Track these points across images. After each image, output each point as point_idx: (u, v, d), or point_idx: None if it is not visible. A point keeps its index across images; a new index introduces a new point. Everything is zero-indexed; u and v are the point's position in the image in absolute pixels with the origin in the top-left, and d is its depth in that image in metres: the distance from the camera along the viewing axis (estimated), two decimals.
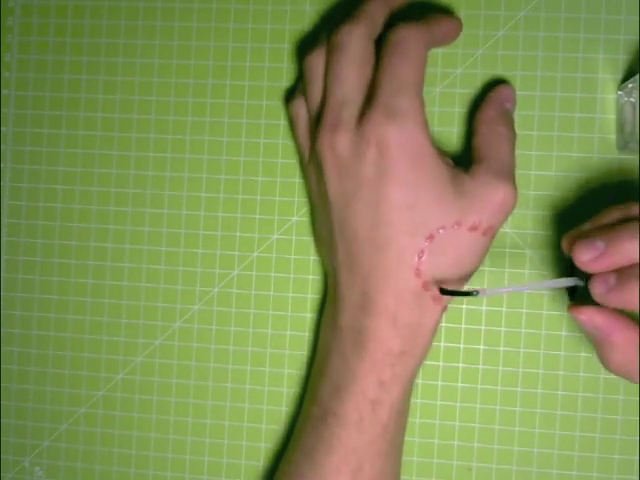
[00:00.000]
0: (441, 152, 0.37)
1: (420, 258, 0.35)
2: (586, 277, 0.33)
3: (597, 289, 0.32)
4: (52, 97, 0.43)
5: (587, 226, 0.34)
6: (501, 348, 0.40)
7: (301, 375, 0.41)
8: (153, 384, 0.42)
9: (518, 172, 0.39)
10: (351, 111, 0.36)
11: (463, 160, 0.37)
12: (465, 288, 0.36)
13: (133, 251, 0.43)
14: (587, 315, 0.33)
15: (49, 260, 0.43)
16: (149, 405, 0.42)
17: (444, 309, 0.37)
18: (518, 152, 0.39)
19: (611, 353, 0.33)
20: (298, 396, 0.41)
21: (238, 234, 0.42)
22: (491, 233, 0.36)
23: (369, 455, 0.36)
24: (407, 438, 0.40)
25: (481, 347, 0.40)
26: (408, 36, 0.36)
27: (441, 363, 0.40)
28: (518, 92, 0.40)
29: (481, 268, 0.40)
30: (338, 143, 0.36)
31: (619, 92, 0.38)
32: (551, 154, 0.40)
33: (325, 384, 0.37)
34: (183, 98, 0.42)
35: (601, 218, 0.34)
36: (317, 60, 0.38)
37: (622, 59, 0.39)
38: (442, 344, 0.40)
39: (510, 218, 0.40)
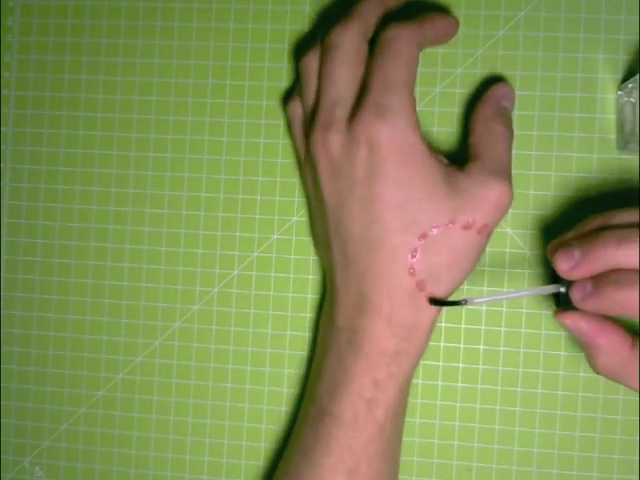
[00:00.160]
0: (434, 150, 0.37)
1: (413, 257, 0.35)
2: (568, 284, 0.34)
3: (576, 296, 0.33)
4: (52, 97, 0.43)
5: (570, 234, 0.35)
6: (501, 348, 0.40)
7: (301, 375, 0.41)
8: (153, 384, 0.42)
9: (518, 172, 0.39)
10: (343, 110, 0.36)
11: (463, 160, 0.37)
12: (452, 298, 0.36)
13: (133, 251, 0.43)
14: (572, 320, 0.34)
15: (49, 260, 0.43)
16: (149, 405, 0.42)
17: (440, 309, 0.36)
18: (518, 152, 0.39)
19: (597, 356, 0.34)
20: (298, 396, 0.41)
21: (238, 234, 0.42)
22: (486, 232, 0.36)
23: (366, 455, 0.36)
24: (407, 438, 0.40)
25: (481, 347, 0.40)
26: (400, 35, 0.36)
27: (441, 363, 0.40)
28: (518, 92, 0.40)
29: (481, 268, 0.40)
30: (330, 143, 0.36)
31: (619, 92, 0.38)
32: (551, 154, 0.40)
33: (322, 384, 0.37)
34: (183, 98, 0.42)
35: (583, 226, 0.35)
36: (312, 61, 0.38)
37: (622, 59, 0.39)
38: (442, 344, 0.40)
39: (510, 218, 0.40)
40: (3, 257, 0.44)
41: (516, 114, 0.40)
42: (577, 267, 0.33)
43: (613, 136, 0.39)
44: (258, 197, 0.42)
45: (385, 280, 0.35)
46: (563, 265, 0.33)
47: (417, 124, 0.35)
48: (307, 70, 0.38)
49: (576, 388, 0.40)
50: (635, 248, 0.32)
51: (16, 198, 0.43)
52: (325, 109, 0.36)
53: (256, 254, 0.42)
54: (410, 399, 0.40)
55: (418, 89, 0.40)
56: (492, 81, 0.40)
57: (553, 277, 0.35)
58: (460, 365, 0.40)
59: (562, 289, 0.34)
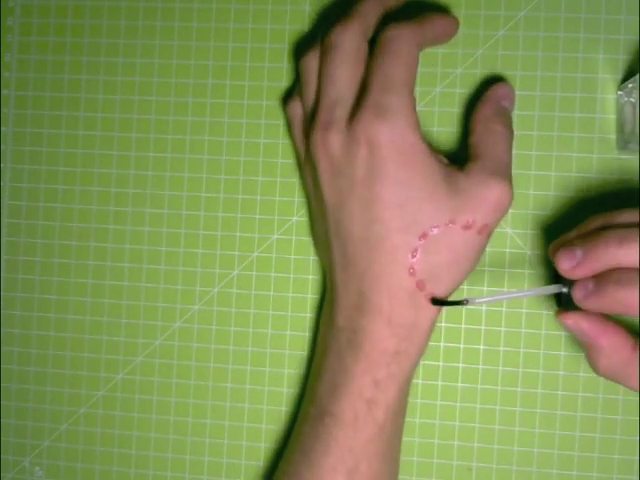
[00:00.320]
0: (434, 150, 0.37)
1: (414, 257, 0.35)
2: (570, 284, 0.34)
3: (577, 294, 0.34)
4: (52, 97, 0.43)
5: (572, 234, 0.35)
6: (501, 348, 0.40)
7: (301, 375, 0.41)
8: (153, 384, 0.42)
9: (518, 172, 0.39)
10: (343, 110, 0.36)
11: (463, 160, 0.37)
12: (453, 298, 0.36)
13: (133, 251, 0.43)
14: (574, 320, 0.34)
15: (49, 260, 0.43)
16: (149, 405, 0.42)
17: (440, 309, 0.36)
18: (518, 152, 0.39)
19: (598, 357, 0.34)
20: (298, 396, 0.41)
21: (238, 234, 0.42)
22: (486, 232, 0.36)
23: (365, 455, 0.36)
24: (407, 438, 0.40)
25: (481, 347, 0.40)
26: (399, 35, 0.36)
27: (441, 363, 0.40)
28: (518, 92, 0.40)
29: (481, 268, 0.40)
30: (330, 143, 0.36)
31: (619, 92, 0.38)
32: (551, 154, 0.40)
33: (322, 384, 0.37)
34: (183, 98, 0.42)
35: (585, 226, 0.35)
36: (312, 61, 0.38)
37: (622, 59, 0.39)
38: (442, 344, 0.40)
39: (510, 218, 0.40)
40: (3, 257, 0.44)
41: (516, 114, 0.40)
42: (579, 266, 0.33)
43: (613, 136, 0.39)
44: (258, 197, 0.42)
45: (385, 280, 0.35)
46: (565, 264, 0.34)
47: (417, 124, 0.35)
48: (307, 70, 0.38)
49: (576, 388, 0.40)
50: (636, 247, 0.32)
51: (16, 198, 0.43)
52: (325, 109, 0.36)
53: (256, 254, 0.42)
54: (410, 399, 0.40)
55: (418, 89, 0.40)
56: (492, 81, 0.40)
57: (554, 277, 0.35)
58: (460, 365, 0.40)
59: (564, 289, 0.34)
